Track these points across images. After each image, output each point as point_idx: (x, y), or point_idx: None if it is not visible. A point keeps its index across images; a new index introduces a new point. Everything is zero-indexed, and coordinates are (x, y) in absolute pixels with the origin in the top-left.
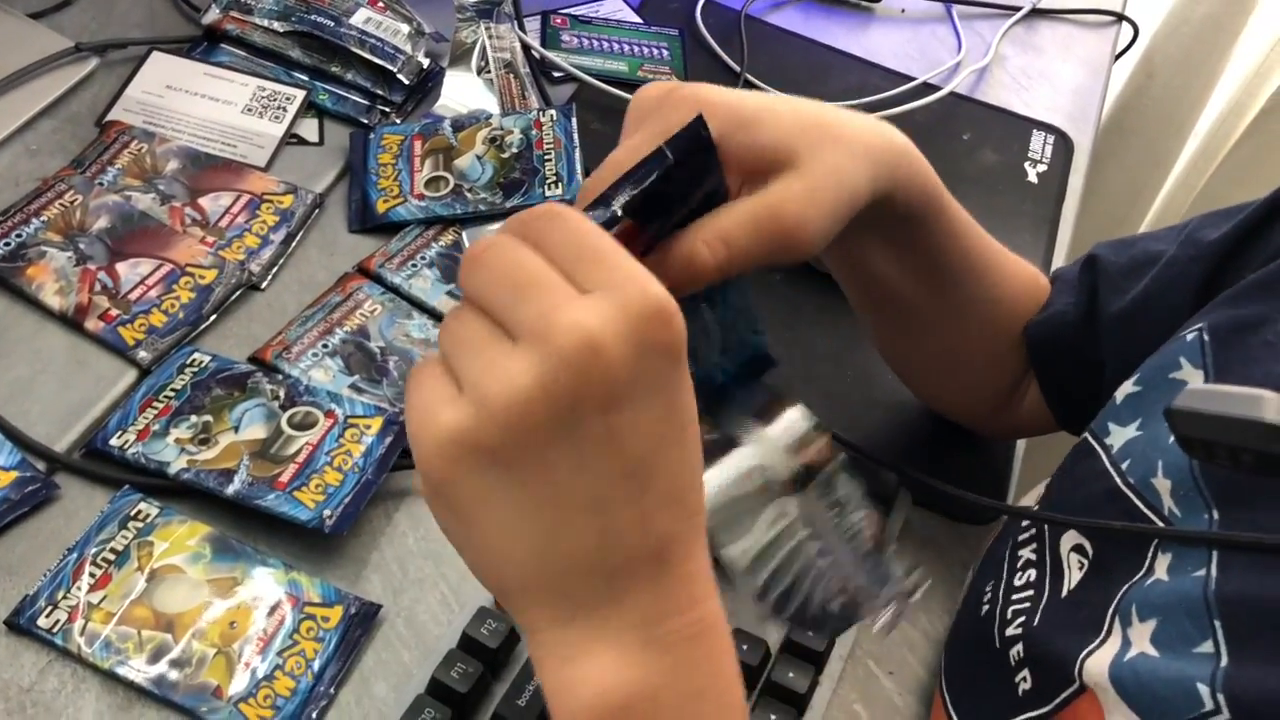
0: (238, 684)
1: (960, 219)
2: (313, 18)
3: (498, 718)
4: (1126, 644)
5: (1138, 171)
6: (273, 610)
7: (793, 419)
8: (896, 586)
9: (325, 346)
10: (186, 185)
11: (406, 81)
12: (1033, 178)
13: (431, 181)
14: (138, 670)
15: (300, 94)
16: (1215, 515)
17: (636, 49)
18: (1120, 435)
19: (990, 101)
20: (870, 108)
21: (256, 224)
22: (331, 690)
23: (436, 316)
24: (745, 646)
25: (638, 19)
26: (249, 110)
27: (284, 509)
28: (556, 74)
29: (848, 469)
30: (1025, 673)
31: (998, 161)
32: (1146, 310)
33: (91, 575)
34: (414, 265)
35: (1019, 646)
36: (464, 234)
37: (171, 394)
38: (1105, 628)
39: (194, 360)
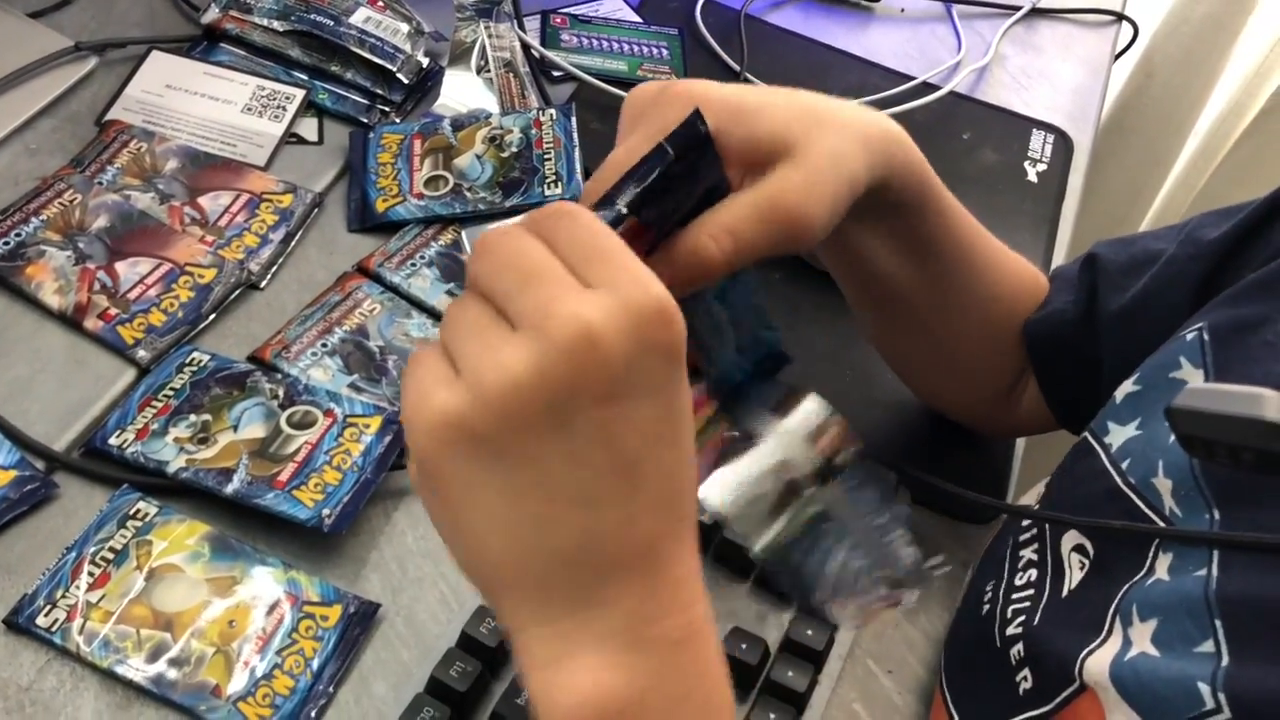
0: (236, 683)
1: (954, 209)
2: (312, 17)
3: (496, 716)
4: (1127, 644)
5: (1137, 171)
6: (272, 609)
7: (809, 409)
8: (920, 568)
9: (324, 345)
10: (186, 184)
11: (406, 81)
12: (1032, 177)
13: (431, 181)
14: (136, 669)
15: (300, 93)
16: (1216, 515)
17: (636, 48)
18: (1120, 434)
19: (990, 101)
20: (870, 107)
21: (256, 223)
22: (330, 689)
23: (436, 316)
24: (744, 645)
25: (637, 18)
26: (248, 109)
27: (283, 508)
28: (556, 73)
29: (866, 456)
30: (1026, 672)
31: (997, 161)
32: (1145, 308)
33: (90, 574)
34: (413, 264)
35: (1019, 646)
36: (463, 233)
37: (170, 393)
38: (1106, 627)
39: (193, 359)
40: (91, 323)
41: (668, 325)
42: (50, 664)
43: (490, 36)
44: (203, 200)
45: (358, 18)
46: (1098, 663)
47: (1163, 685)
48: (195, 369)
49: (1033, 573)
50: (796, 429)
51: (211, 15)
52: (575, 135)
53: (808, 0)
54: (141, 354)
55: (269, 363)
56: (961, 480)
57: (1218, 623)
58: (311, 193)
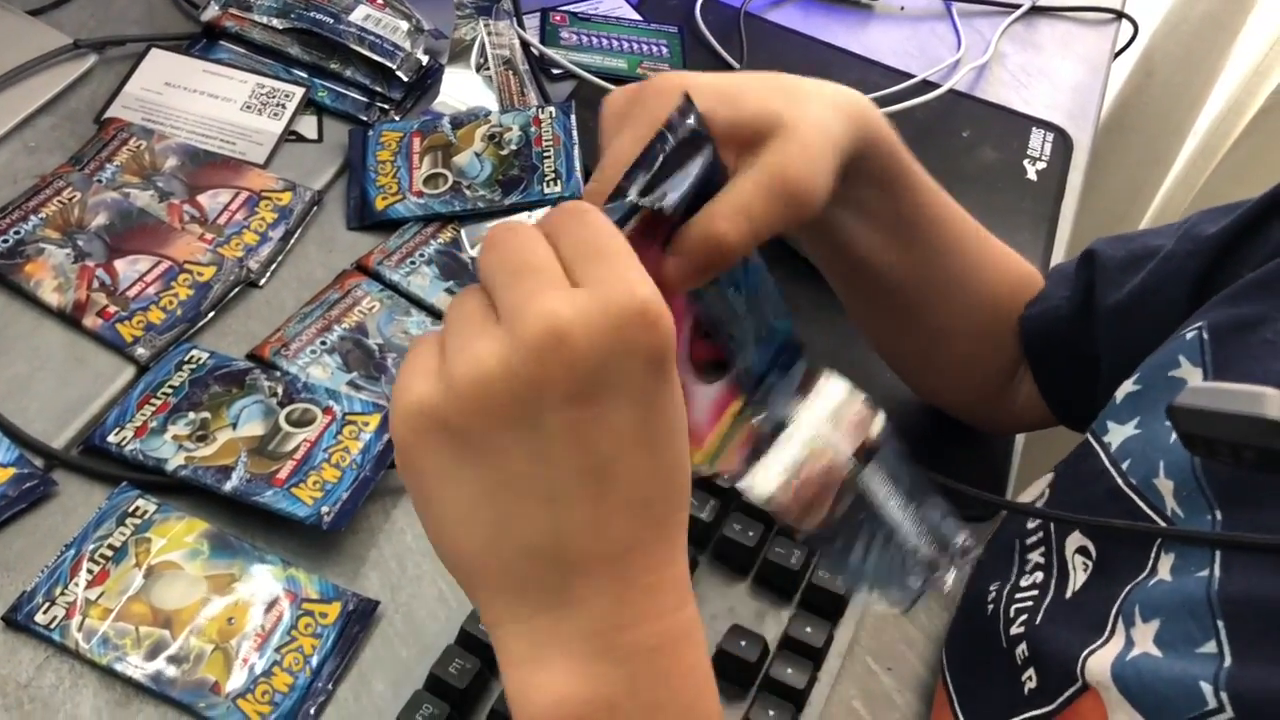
0: (235, 680)
1: (929, 187)
2: (312, 15)
3: (495, 714)
4: (1129, 644)
5: (1137, 169)
6: (271, 606)
7: (835, 388)
8: (957, 548)
9: (323, 343)
10: (185, 182)
11: (405, 78)
12: (1032, 175)
13: (430, 179)
14: (135, 666)
15: (299, 91)
16: (1218, 515)
17: (636, 46)
18: (1119, 434)
19: (989, 99)
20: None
21: (255, 221)
22: (329, 686)
23: (435, 314)
24: (743, 642)
25: (637, 16)
26: (248, 107)
27: (282, 505)
28: (555, 71)
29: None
30: (1031, 671)
31: (997, 159)
32: (1143, 304)
33: (89, 571)
34: (412, 262)
35: (1023, 645)
36: (462, 231)
37: (169, 391)
38: (1108, 628)
39: (192, 357)
40: (90, 320)
41: (650, 328)
42: (49, 661)
43: (490, 34)
44: (202, 198)
45: (357, 15)
46: (1099, 662)
47: (1165, 685)
48: (194, 367)
49: (1039, 575)
50: (826, 409)
51: (211, 13)
52: (574, 133)
53: None
54: (140, 352)
55: (268, 360)
56: (961, 477)
57: (1220, 623)
58: (311, 190)
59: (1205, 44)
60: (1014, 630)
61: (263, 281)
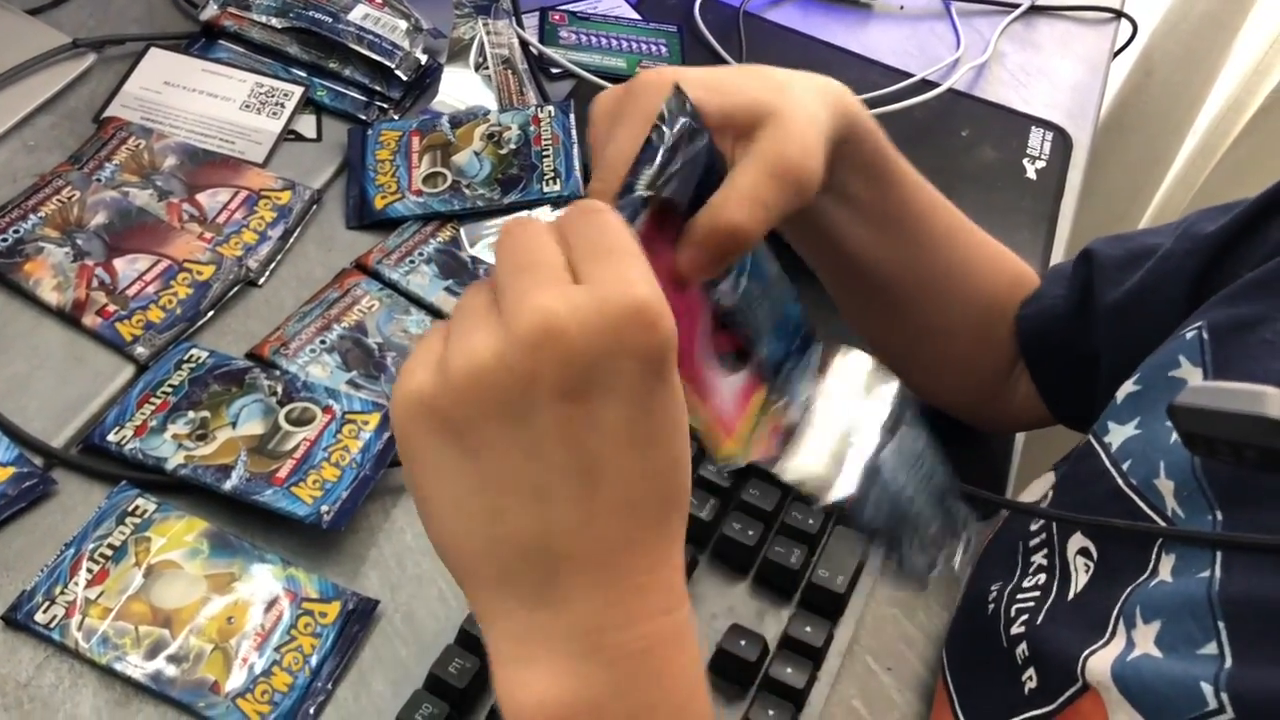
0: (235, 680)
1: (914, 177)
2: (311, 14)
3: (495, 714)
4: (1130, 645)
5: (1137, 168)
6: (270, 606)
7: (852, 362)
8: (966, 525)
9: (323, 342)
10: (184, 181)
11: (404, 78)
12: (1031, 174)
13: (429, 178)
14: (135, 666)
15: (298, 90)
16: (1219, 516)
17: (635, 45)
18: (1119, 434)
19: (989, 98)
20: (869, 104)
21: (254, 220)
22: (329, 686)
23: (434, 312)
24: (743, 642)
25: (636, 15)
26: (247, 106)
27: (281, 505)
28: (555, 70)
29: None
30: (1031, 671)
31: (996, 158)
32: (1141, 303)
33: (89, 571)
34: (412, 261)
35: (1023, 645)
36: (462, 230)
37: (169, 390)
38: (1109, 629)
39: (191, 356)
40: (90, 319)
41: (648, 328)
42: (49, 660)
43: (489, 33)
44: (201, 197)
45: (356, 15)
46: (1100, 662)
47: (1165, 686)
48: (194, 366)
49: (1041, 576)
50: (850, 384)
51: (210, 12)
52: (574, 132)
53: None
54: (140, 351)
55: (267, 359)
56: (961, 476)
57: (1221, 624)
58: (310, 190)
59: (1204, 43)
60: (1014, 630)
61: (262, 280)
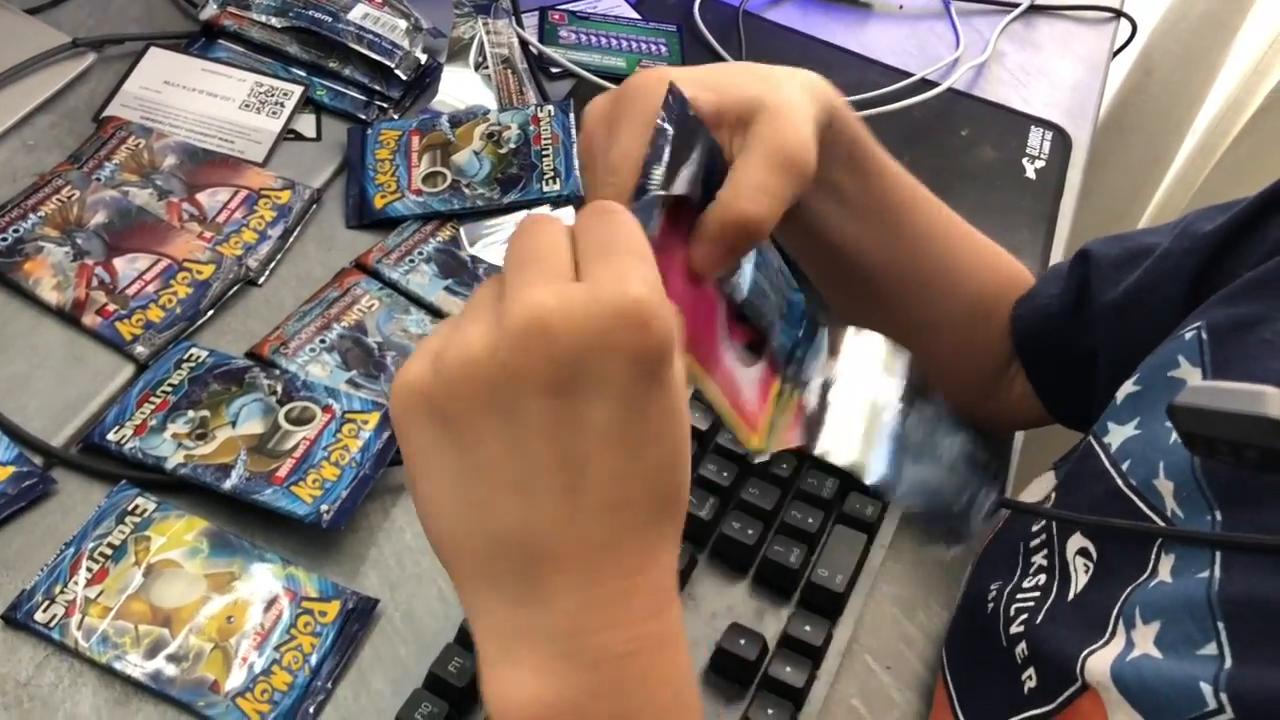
0: (235, 679)
1: (896, 169)
2: (310, 13)
3: None
4: (1130, 645)
5: (1136, 168)
6: (270, 605)
7: (866, 341)
8: (994, 476)
9: (323, 342)
10: (184, 180)
11: (404, 77)
12: (1031, 174)
13: (429, 177)
14: (135, 665)
15: (298, 89)
16: (1218, 516)
17: (634, 45)
18: (1118, 434)
19: (988, 98)
20: (868, 104)
21: (254, 219)
22: (329, 685)
23: (434, 312)
24: (743, 641)
25: (636, 15)
26: (246, 106)
27: (281, 504)
28: (554, 70)
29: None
30: (1031, 671)
31: (996, 158)
32: (1140, 302)
33: (89, 570)
34: (411, 261)
35: (1022, 644)
36: (461, 229)
37: (169, 389)
38: (1109, 629)
39: (191, 355)
40: (90, 319)
41: (640, 329)
42: (48, 659)
43: (488, 33)
44: (201, 196)
45: (356, 14)
46: (1099, 662)
47: (1165, 686)
48: (193, 365)
49: (1041, 577)
50: (863, 364)
51: (209, 11)
52: (573, 131)
53: None
54: (140, 350)
55: (267, 359)
56: None
57: (1220, 625)
58: (310, 189)
59: (1204, 42)
60: (1014, 629)
61: (262, 280)
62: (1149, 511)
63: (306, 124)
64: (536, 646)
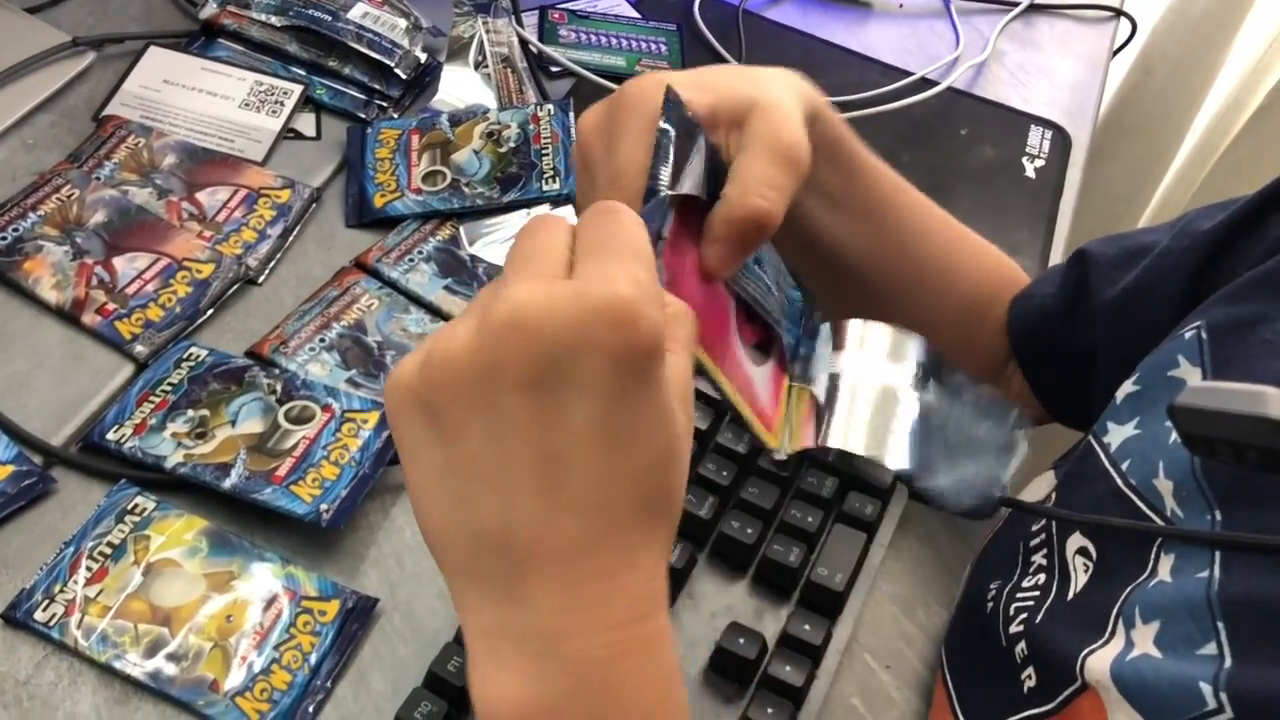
0: (234, 678)
1: (880, 166)
2: (310, 12)
3: None
4: (1129, 645)
5: (1136, 167)
6: (269, 604)
7: (871, 330)
8: (1015, 419)
9: (322, 341)
10: (184, 180)
11: (404, 76)
12: (1030, 173)
13: (429, 176)
14: (134, 664)
15: (297, 89)
16: (1218, 516)
17: (634, 44)
18: (1118, 434)
19: (988, 97)
20: (868, 103)
21: (254, 218)
22: (328, 684)
23: (433, 311)
24: (742, 640)
25: (635, 14)
26: (246, 105)
27: (281, 503)
28: (554, 69)
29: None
30: (1030, 670)
31: (995, 157)
32: (1138, 300)
33: (88, 569)
34: (411, 260)
35: (1022, 644)
36: (461, 229)
37: (168, 388)
38: (1109, 629)
39: (191, 354)
40: (89, 318)
41: (620, 327)
42: (48, 659)
43: (488, 32)
44: (200, 195)
45: (355, 13)
46: (1099, 662)
47: (1165, 685)
48: (193, 364)
49: (1041, 576)
50: (870, 353)
51: (209, 10)
52: (573, 131)
53: None
54: (139, 349)
55: (267, 358)
56: None
57: (1220, 624)
58: (309, 188)
59: (1204, 41)
60: (1013, 629)
61: (261, 279)
62: (1149, 511)
63: (306, 123)
64: (518, 647)
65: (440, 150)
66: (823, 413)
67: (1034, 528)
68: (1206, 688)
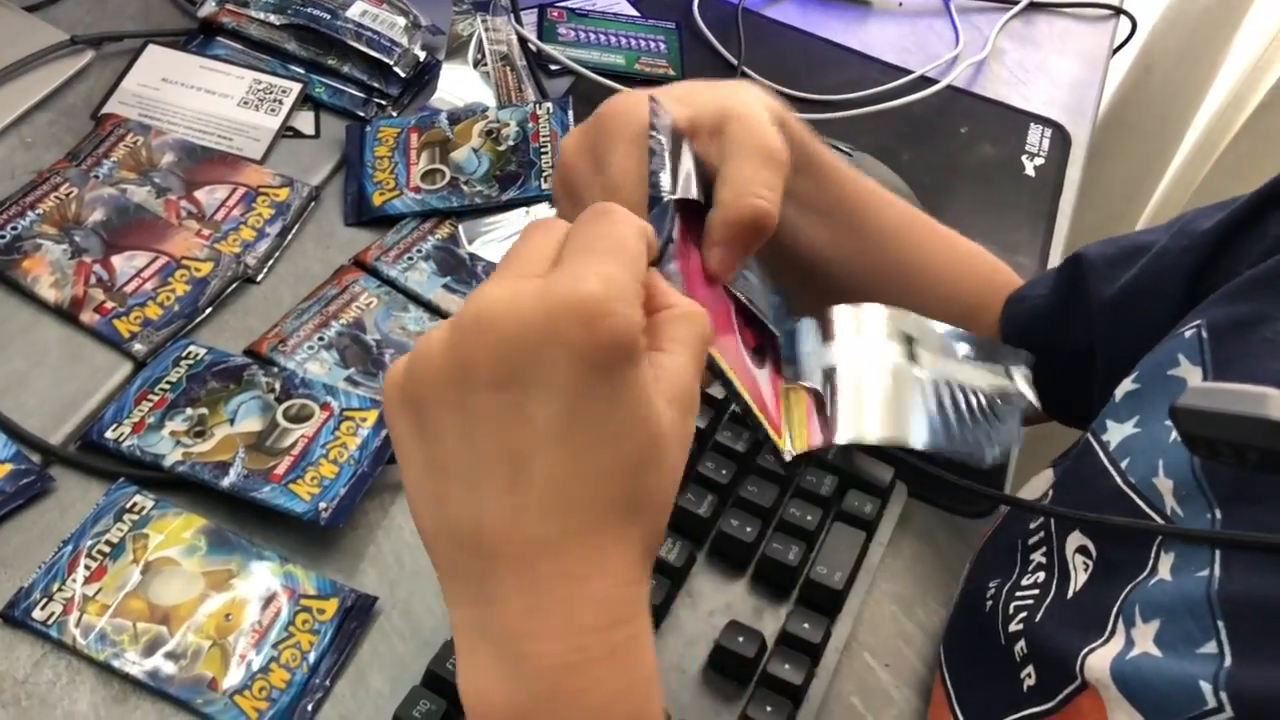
0: (233, 676)
1: (848, 172)
2: (309, 10)
3: None
4: (1129, 644)
5: (1136, 165)
6: (268, 603)
7: (860, 316)
8: (1017, 364)
9: (321, 339)
10: (182, 178)
11: (403, 74)
12: (1030, 171)
13: (428, 174)
14: (133, 663)
15: (296, 87)
16: (1218, 514)
17: (633, 42)
18: (1117, 432)
19: (987, 95)
20: (867, 101)
21: (252, 217)
22: (327, 683)
23: (432, 309)
24: (741, 639)
25: (634, 12)
26: (245, 103)
27: (279, 501)
28: (553, 67)
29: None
30: (1030, 669)
31: (995, 155)
32: (1137, 298)
33: (87, 568)
34: (410, 258)
35: (1021, 643)
36: (460, 227)
37: (167, 387)
38: (1108, 628)
39: (189, 353)
40: (88, 316)
41: (585, 324)
42: (46, 657)
43: (487, 30)
44: (199, 194)
45: (354, 11)
46: (1099, 661)
47: (1164, 684)
48: (191, 362)
49: (1040, 575)
50: (864, 337)
51: (208, 9)
52: (572, 128)
53: None
54: (138, 347)
55: (265, 356)
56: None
57: (1220, 623)
58: (308, 186)
59: (1204, 40)
60: (1013, 627)
61: (260, 277)
62: (1148, 510)
63: (305, 121)
64: (492, 647)
65: (439, 148)
66: (825, 408)
67: (1032, 526)
68: (1206, 686)
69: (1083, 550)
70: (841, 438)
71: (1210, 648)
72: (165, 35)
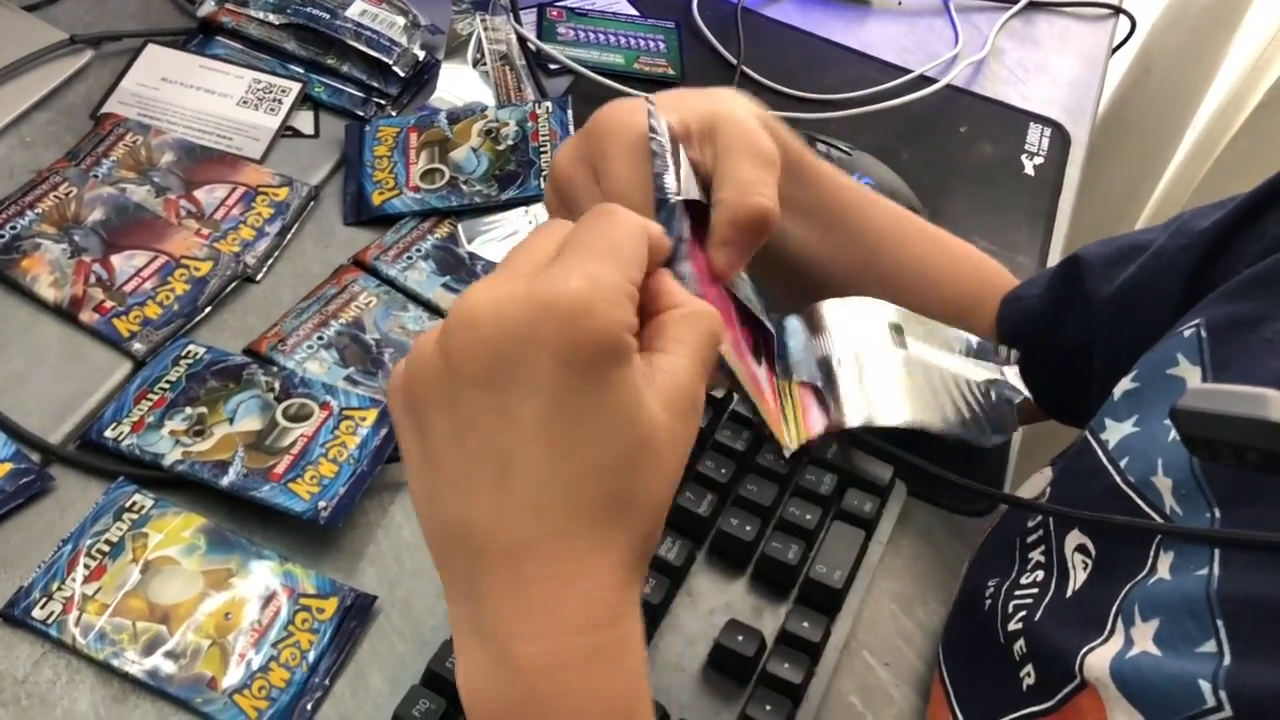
0: (232, 676)
1: (837, 175)
2: (308, 10)
3: None
4: (1129, 643)
5: (1135, 165)
6: (268, 602)
7: (849, 307)
8: (1003, 357)
9: (320, 339)
10: (181, 177)
11: (402, 74)
12: (1029, 171)
13: (427, 174)
14: (132, 662)
15: (296, 86)
16: (1217, 514)
17: (633, 41)
18: (1116, 431)
19: (987, 94)
20: (867, 100)
21: (252, 216)
22: (326, 682)
23: (432, 309)
24: (741, 638)
25: (634, 11)
26: (244, 103)
27: (279, 501)
28: (552, 66)
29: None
30: (1029, 668)
31: (994, 154)
32: (1135, 297)
33: (86, 567)
34: (409, 258)
35: (1021, 642)
36: (459, 226)
37: (166, 386)
38: (1108, 627)
39: (189, 352)
40: (87, 315)
41: (566, 324)
42: (46, 657)
43: (486, 29)
44: (198, 193)
45: (354, 11)
46: (1098, 660)
47: (1164, 683)
48: (191, 362)
49: (1039, 574)
50: (858, 325)
51: (207, 8)
52: (571, 128)
53: None
54: (137, 347)
55: (265, 355)
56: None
57: (1219, 622)
58: (307, 186)
59: (1203, 39)
60: (1012, 626)
61: (259, 276)
62: (1147, 509)
63: (304, 121)
64: (480, 645)
65: (438, 148)
66: (824, 397)
67: (1031, 525)
68: (1206, 685)
69: (1082, 549)
70: (853, 420)
71: (1209, 647)
72: (165, 35)
